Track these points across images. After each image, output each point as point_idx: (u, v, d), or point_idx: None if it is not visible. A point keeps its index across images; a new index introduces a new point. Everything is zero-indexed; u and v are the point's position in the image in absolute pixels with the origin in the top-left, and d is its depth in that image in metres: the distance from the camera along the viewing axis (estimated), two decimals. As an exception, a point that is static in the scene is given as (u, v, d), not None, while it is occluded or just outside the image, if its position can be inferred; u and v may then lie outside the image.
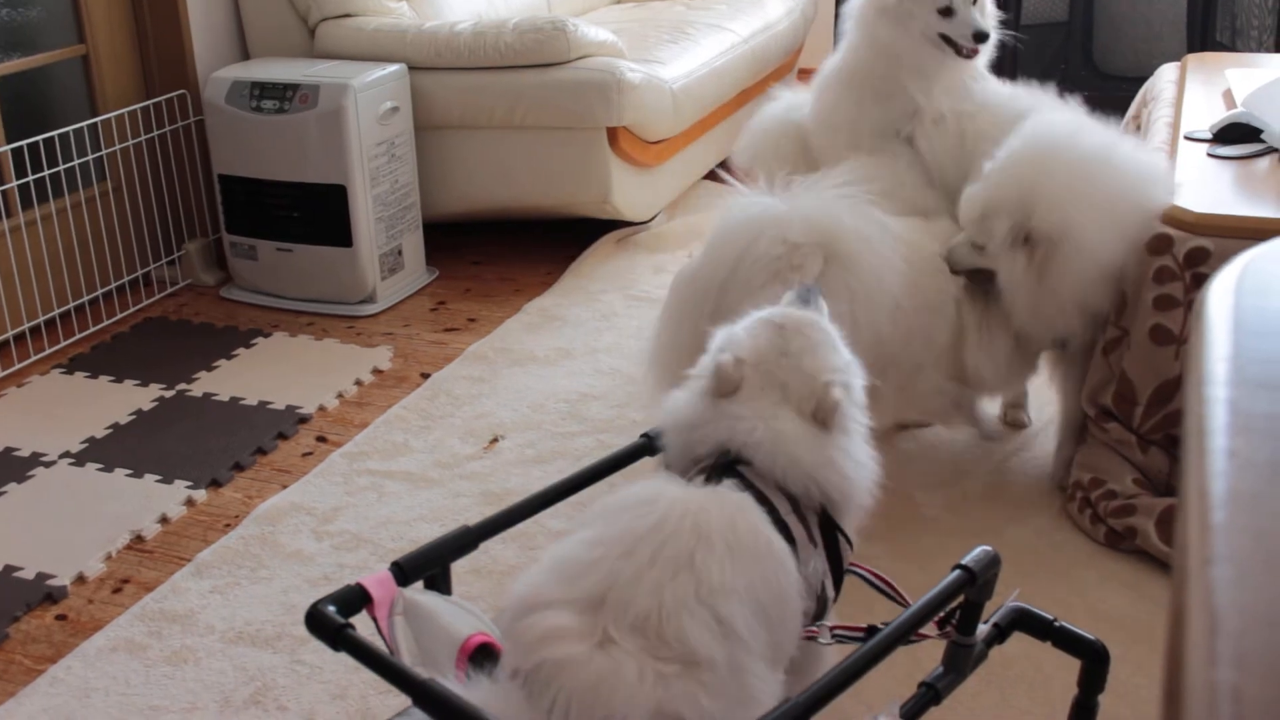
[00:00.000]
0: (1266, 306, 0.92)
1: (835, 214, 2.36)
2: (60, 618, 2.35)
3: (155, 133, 3.77)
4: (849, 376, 1.67)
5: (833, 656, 1.48)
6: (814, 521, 1.58)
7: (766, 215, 2.37)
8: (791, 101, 3.03)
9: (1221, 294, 0.93)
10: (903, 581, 1.69)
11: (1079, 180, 2.37)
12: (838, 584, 1.62)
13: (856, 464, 1.64)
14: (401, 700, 1.33)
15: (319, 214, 3.60)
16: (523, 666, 1.35)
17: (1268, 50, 4.48)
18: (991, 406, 2.88)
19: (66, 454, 2.91)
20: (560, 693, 1.31)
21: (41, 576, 2.45)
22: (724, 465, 1.60)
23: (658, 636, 1.35)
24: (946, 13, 2.66)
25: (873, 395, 1.74)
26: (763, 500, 1.53)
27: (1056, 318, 2.45)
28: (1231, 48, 4.58)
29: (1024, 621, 1.65)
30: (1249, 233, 2.22)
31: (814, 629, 1.55)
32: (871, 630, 1.48)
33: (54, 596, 2.40)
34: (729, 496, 1.51)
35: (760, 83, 4.82)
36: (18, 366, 3.34)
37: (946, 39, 2.69)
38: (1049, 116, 2.51)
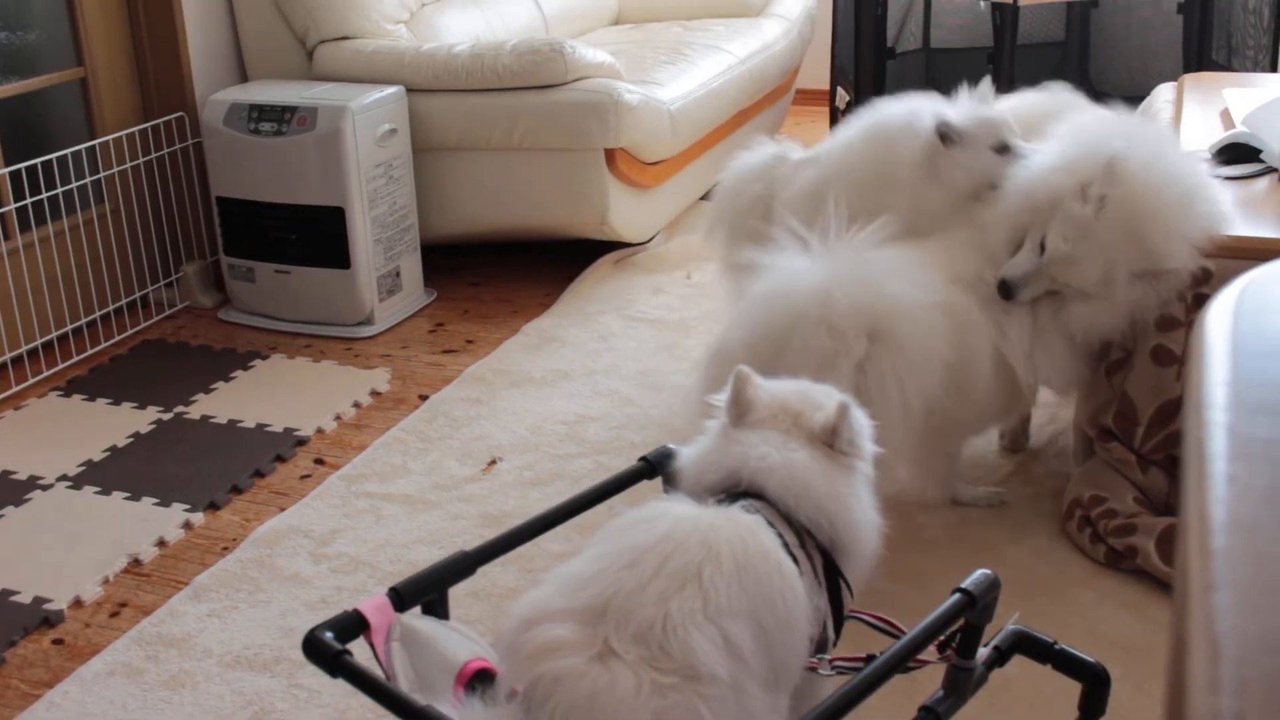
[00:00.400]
0: (1265, 329, 0.92)
1: (878, 288, 2.23)
2: (57, 642, 2.34)
3: (153, 155, 3.77)
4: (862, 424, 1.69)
5: (833, 689, 1.47)
6: (819, 561, 1.58)
7: (807, 292, 2.22)
8: (765, 161, 2.91)
9: (1220, 316, 0.93)
10: (902, 603, 1.69)
11: (1175, 211, 2.30)
12: (838, 629, 1.62)
13: (863, 508, 1.65)
14: (400, 726, 1.32)
15: (317, 236, 3.60)
16: (520, 682, 1.35)
17: (1264, 69, 4.48)
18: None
19: (64, 477, 2.90)
20: (557, 707, 1.31)
21: (38, 600, 2.44)
22: (734, 496, 1.60)
23: (660, 648, 1.34)
24: (1003, 150, 2.51)
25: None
26: (771, 528, 1.53)
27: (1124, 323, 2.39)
28: (1227, 67, 4.58)
29: (1024, 644, 1.64)
30: (1250, 253, 2.22)
31: (814, 660, 1.54)
32: (871, 659, 1.48)
33: (51, 620, 2.39)
34: (739, 516, 1.51)
35: (758, 103, 4.83)
36: (15, 389, 3.33)
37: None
38: (1123, 143, 2.34)
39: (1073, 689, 1.65)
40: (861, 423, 1.68)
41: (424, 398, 3.25)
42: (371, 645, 1.46)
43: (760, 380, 1.70)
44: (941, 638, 1.57)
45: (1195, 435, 0.76)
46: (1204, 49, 4.55)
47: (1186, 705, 0.59)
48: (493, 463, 2.90)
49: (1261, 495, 0.69)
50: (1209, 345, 0.88)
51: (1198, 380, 0.84)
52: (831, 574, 1.59)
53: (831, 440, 1.63)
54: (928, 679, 1.67)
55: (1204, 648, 0.60)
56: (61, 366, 3.48)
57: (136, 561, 2.58)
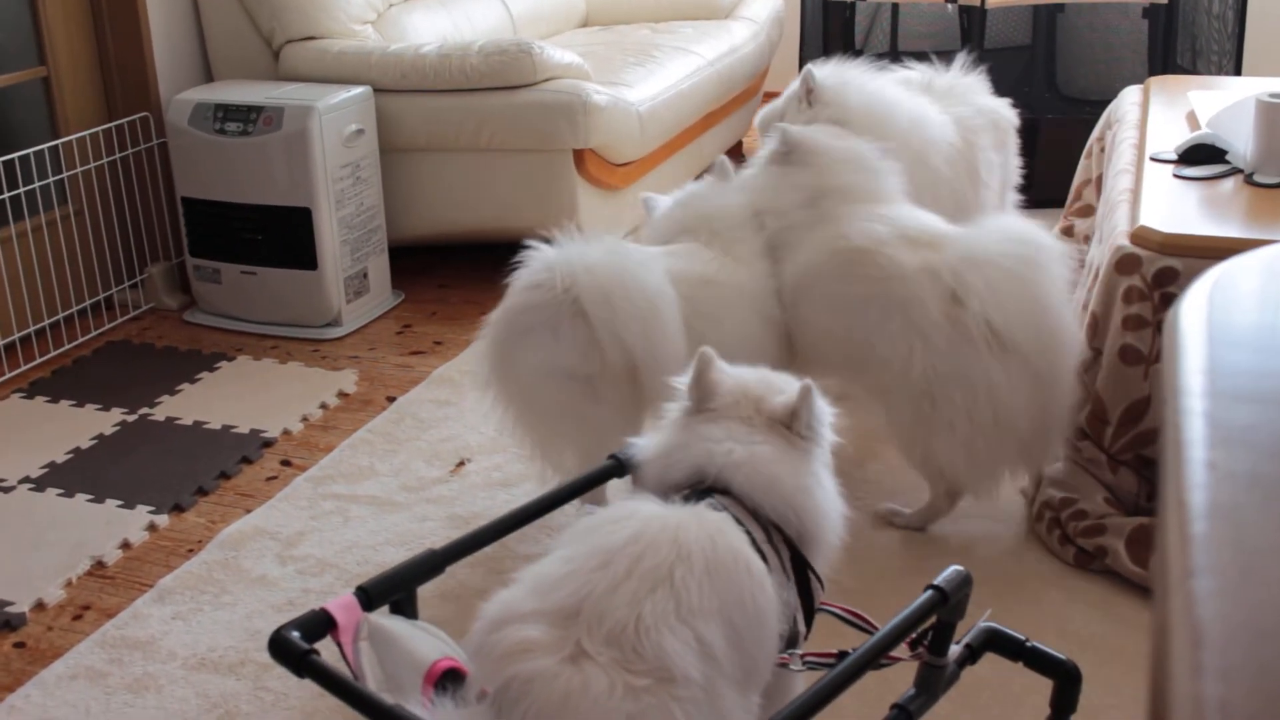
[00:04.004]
0: (1239, 320, 0.92)
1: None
2: (19, 645, 2.31)
3: (117, 155, 3.73)
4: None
5: (805, 685, 1.47)
6: (786, 555, 1.57)
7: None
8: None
9: (1194, 308, 0.93)
10: (873, 602, 1.69)
11: None
12: (809, 621, 1.62)
13: (827, 494, 1.64)
14: (367, 727, 1.31)
15: (283, 237, 3.57)
16: (492, 683, 1.33)
17: (1228, 73, 4.52)
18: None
19: (26, 479, 2.86)
20: (529, 709, 1.29)
21: (0, 603, 2.41)
22: (700, 493, 1.59)
23: (634, 650, 1.33)
24: None
25: None
26: (739, 524, 1.52)
27: None
28: (1192, 71, 4.62)
29: (996, 642, 1.64)
30: (1216, 253, 2.20)
31: (785, 656, 1.53)
32: (843, 656, 1.47)
33: (13, 624, 2.36)
34: (708, 515, 1.50)
35: (726, 106, 4.83)
36: (-24, 391, 3.30)
37: None
38: None
39: (1044, 687, 1.65)
40: (822, 408, 1.67)
41: (392, 399, 3.23)
42: (339, 645, 1.44)
43: (722, 364, 1.69)
44: (913, 635, 1.56)
45: (1173, 423, 0.76)
46: (1169, 53, 4.58)
47: (1170, 691, 0.58)
48: (461, 464, 2.88)
49: (1242, 481, 0.68)
50: (1184, 336, 0.88)
51: (1174, 370, 0.83)
52: (800, 566, 1.58)
53: (791, 423, 1.62)
54: (899, 677, 1.66)
55: (1185, 633, 0.60)
56: (24, 368, 3.43)
57: (100, 564, 2.55)
